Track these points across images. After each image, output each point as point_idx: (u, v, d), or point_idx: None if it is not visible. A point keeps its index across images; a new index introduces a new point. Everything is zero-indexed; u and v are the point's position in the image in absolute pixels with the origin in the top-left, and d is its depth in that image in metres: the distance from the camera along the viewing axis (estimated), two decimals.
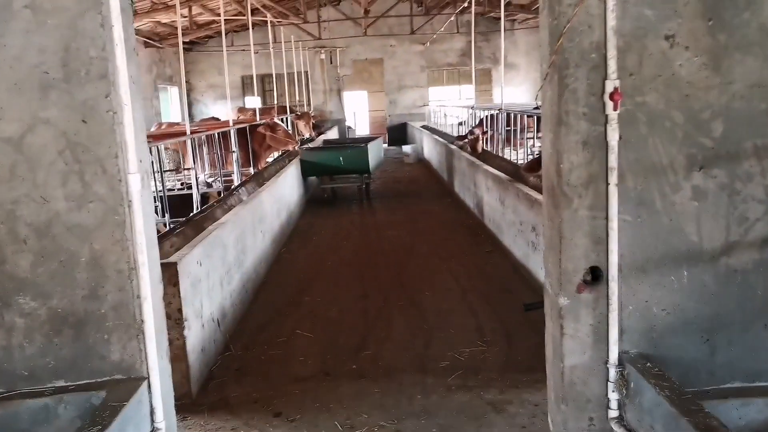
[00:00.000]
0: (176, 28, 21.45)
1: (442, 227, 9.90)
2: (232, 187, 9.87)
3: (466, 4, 17.43)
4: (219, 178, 9.71)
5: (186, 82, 26.25)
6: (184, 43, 24.70)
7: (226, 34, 24.60)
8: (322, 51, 25.92)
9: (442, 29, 24.20)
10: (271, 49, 15.57)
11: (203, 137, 9.85)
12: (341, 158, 12.04)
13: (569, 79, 2.63)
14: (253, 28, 22.81)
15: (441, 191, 13.48)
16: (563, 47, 2.61)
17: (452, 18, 23.41)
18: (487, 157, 11.13)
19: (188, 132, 8.14)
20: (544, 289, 3.00)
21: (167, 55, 23.54)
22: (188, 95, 26.66)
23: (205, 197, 9.59)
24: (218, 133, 9.79)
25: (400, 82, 27.14)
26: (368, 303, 6.43)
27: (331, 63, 26.23)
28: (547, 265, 2.91)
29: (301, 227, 10.47)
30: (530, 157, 11.64)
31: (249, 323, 5.99)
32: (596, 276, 2.71)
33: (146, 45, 21.12)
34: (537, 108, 11.14)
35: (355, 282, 7.20)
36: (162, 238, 6.50)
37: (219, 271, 5.48)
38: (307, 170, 12.22)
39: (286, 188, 10.24)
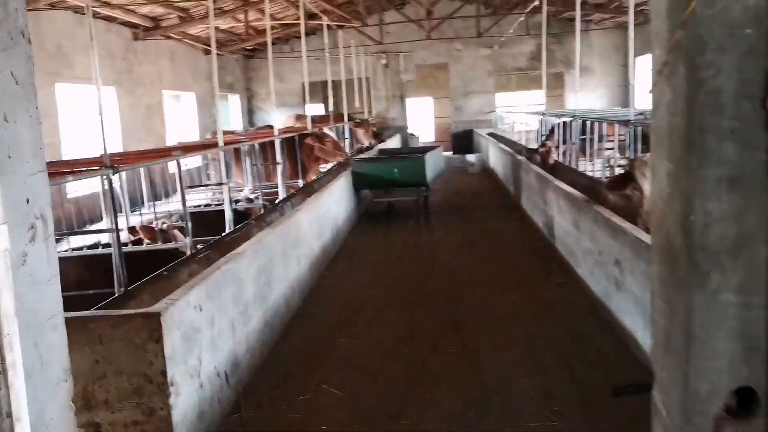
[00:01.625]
0: (236, 34, 21.10)
1: (505, 250, 8.75)
2: (276, 201, 9.06)
3: (537, 3, 16.14)
4: (259, 193, 8.88)
5: (247, 89, 26.08)
6: (246, 49, 24.52)
7: (287, 41, 24.46)
8: (384, 56, 25.02)
9: (511, 31, 22.90)
10: (327, 54, 14.77)
11: (245, 148, 9.05)
12: (396, 170, 11.00)
13: (706, 71, 1.54)
14: (313, 34, 22.31)
15: (506, 206, 12.28)
16: (696, 17, 1.52)
17: (521, 19, 22.10)
18: (558, 170, 9.91)
19: (221, 143, 7.31)
20: (653, 406, 1.90)
21: (227, 62, 23.21)
22: (249, 102, 26.34)
23: (246, 214, 8.81)
24: (259, 144, 8.96)
25: (466, 87, 25.92)
26: (413, 349, 5.40)
27: (388, 67, 25.23)
28: (661, 374, 1.82)
29: (349, 246, 9.53)
30: (609, 170, 10.36)
31: (269, 372, 5.06)
32: (748, 402, 1.61)
33: (206, 52, 20.79)
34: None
35: (400, 319, 6.18)
36: (181, 264, 5.73)
37: (230, 313, 4.57)
38: (359, 183, 11.24)
39: (332, 204, 9.32)
